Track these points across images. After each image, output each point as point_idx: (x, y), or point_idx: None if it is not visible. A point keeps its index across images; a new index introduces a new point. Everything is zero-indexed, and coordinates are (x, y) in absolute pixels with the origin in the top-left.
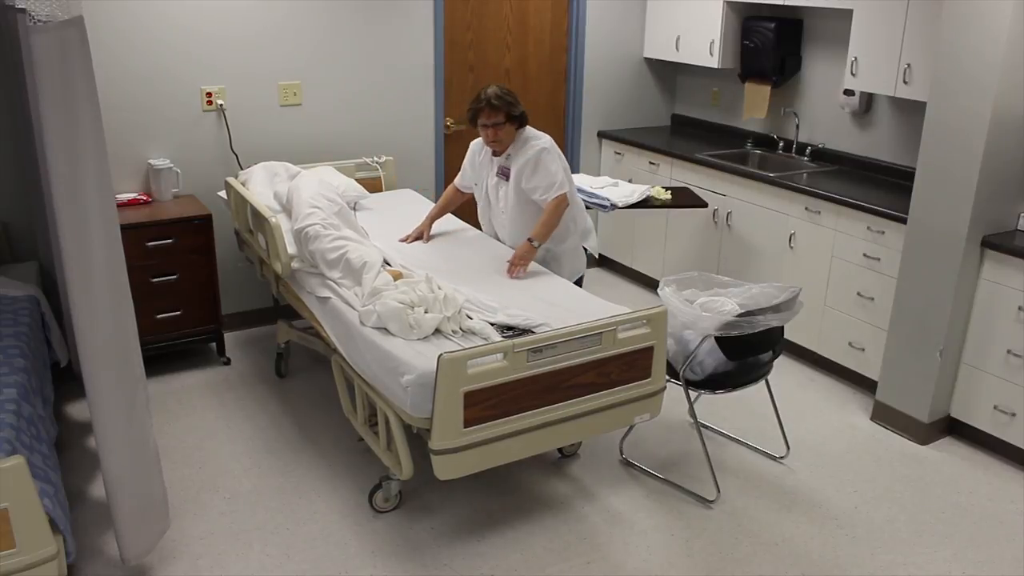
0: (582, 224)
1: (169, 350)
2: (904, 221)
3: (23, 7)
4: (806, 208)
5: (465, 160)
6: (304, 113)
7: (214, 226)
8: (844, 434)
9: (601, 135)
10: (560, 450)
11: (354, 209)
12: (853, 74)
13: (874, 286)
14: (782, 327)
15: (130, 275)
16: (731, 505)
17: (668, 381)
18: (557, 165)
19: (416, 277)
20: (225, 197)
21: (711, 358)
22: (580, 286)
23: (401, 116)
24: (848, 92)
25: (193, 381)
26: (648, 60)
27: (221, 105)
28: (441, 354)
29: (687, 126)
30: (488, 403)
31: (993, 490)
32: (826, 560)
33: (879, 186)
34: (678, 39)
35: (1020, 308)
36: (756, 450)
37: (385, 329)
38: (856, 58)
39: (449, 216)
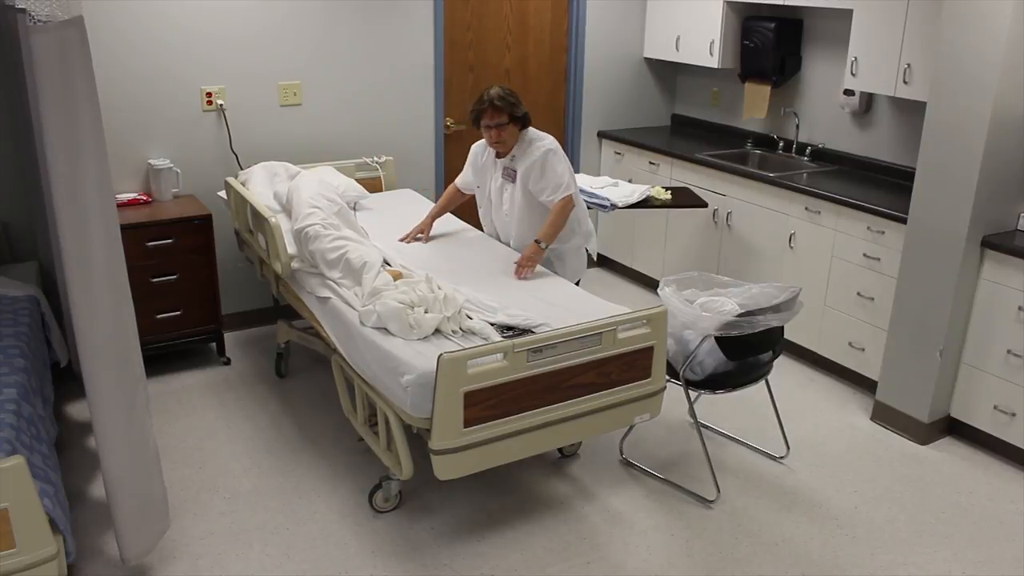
0: (585, 225)
1: (169, 350)
2: (904, 221)
3: (23, 7)
4: (806, 208)
5: (467, 163)
6: (304, 113)
7: (214, 226)
8: (844, 434)
9: (601, 135)
10: (560, 450)
11: (354, 209)
12: (853, 74)
13: (874, 286)
14: (782, 327)
15: (130, 275)
16: (731, 505)
17: (668, 381)
18: (563, 166)
19: (416, 277)
20: (225, 197)
21: (711, 358)
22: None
23: (401, 116)
24: (848, 92)
25: (193, 381)
26: (648, 60)
27: (221, 105)
28: (441, 354)
29: (687, 126)
30: (488, 403)
31: (993, 490)
32: (826, 560)
33: (879, 186)
34: (678, 39)
35: (1020, 308)
36: (756, 450)
37: (385, 329)
38: (856, 58)
39: (449, 216)
